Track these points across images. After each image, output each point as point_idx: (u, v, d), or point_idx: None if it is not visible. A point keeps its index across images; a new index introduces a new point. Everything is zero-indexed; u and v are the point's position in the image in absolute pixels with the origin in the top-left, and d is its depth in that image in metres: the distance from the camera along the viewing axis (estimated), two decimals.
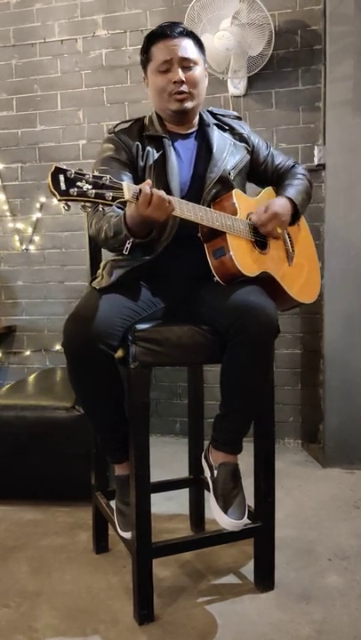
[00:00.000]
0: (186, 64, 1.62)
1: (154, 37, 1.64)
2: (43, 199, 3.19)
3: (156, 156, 1.63)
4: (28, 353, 3.29)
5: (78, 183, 1.25)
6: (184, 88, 1.62)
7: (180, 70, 1.61)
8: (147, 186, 1.35)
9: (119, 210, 1.51)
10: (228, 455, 1.56)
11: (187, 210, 1.46)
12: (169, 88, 1.62)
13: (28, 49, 3.17)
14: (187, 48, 1.63)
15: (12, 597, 1.63)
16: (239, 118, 1.82)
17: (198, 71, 1.65)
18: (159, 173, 1.61)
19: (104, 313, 1.47)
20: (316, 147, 2.78)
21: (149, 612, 1.51)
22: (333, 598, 1.60)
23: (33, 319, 3.28)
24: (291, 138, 2.88)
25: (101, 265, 1.67)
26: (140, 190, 1.35)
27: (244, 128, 1.79)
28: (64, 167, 1.25)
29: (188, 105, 1.64)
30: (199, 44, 1.67)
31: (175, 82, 1.61)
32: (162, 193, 1.37)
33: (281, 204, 1.66)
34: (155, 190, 1.36)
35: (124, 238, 1.43)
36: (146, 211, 1.35)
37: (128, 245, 1.43)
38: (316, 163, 2.76)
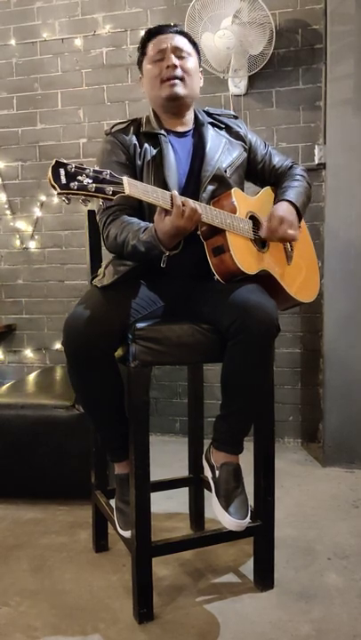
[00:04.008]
0: (179, 54, 1.66)
1: (149, 35, 1.70)
2: (43, 197, 3.19)
3: (154, 152, 1.64)
4: (28, 352, 3.30)
5: (79, 177, 1.26)
6: (177, 72, 1.64)
7: (173, 57, 1.65)
8: (177, 198, 1.39)
9: (135, 219, 1.55)
10: (230, 455, 1.56)
11: None
12: (162, 74, 1.65)
13: (29, 47, 3.16)
14: (180, 41, 1.68)
15: (11, 596, 1.64)
16: (236, 117, 1.82)
17: (191, 62, 1.68)
18: (156, 170, 1.62)
19: (104, 311, 1.47)
20: (316, 146, 2.77)
21: (149, 610, 1.51)
22: (333, 597, 1.60)
23: (33, 318, 3.28)
24: (291, 137, 2.88)
25: (103, 264, 1.67)
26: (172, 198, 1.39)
27: (240, 127, 1.79)
28: (65, 161, 1.26)
29: (180, 91, 1.65)
30: (193, 42, 1.72)
31: (168, 66, 1.64)
32: (190, 201, 1.41)
33: (283, 208, 1.66)
34: (185, 200, 1.40)
35: (159, 254, 1.46)
36: (180, 221, 1.40)
37: (165, 258, 1.47)
38: (316, 162, 2.75)
